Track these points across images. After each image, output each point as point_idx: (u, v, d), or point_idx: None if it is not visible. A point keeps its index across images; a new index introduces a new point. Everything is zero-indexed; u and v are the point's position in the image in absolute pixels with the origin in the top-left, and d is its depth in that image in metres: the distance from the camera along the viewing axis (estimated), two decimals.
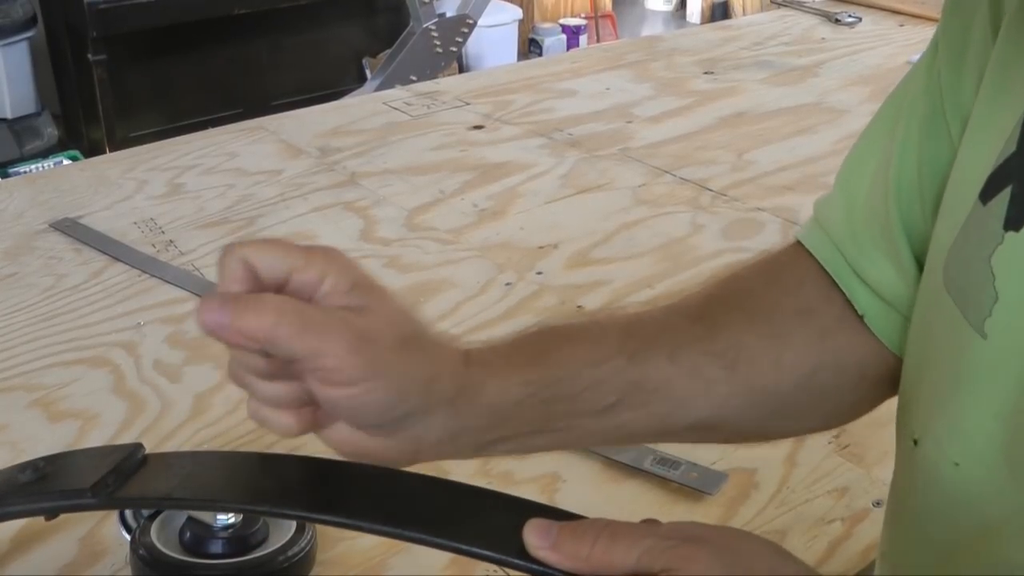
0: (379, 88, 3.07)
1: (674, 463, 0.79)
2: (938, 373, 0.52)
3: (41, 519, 0.71)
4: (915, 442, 0.53)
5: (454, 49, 3.56)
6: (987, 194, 0.47)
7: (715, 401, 0.55)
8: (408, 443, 0.48)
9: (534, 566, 0.42)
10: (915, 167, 0.55)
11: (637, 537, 0.41)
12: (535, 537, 0.42)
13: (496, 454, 0.53)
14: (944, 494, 0.51)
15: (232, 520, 0.65)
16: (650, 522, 0.43)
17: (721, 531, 0.43)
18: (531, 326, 0.54)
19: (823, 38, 1.94)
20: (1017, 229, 0.45)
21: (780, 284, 0.59)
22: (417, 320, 0.48)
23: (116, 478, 0.47)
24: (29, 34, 3.23)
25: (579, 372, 0.52)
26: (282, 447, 0.81)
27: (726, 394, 0.55)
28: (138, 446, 0.49)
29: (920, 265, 0.55)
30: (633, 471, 0.78)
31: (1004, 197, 0.46)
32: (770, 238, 1.17)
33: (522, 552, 0.42)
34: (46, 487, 0.50)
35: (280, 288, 0.45)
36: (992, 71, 0.49)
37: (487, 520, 0.45)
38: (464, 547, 0.42)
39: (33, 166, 2.94)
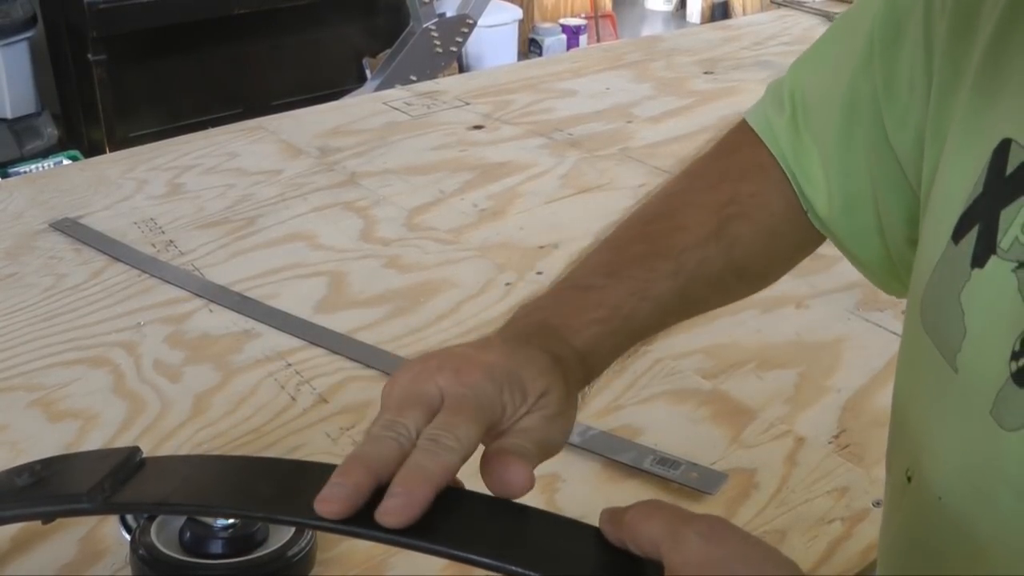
0: (379, 88, 3.07)
1: (674, 463, 0.79)
2: (922, 410, 0.53)
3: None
4: (909, 479, 0.54)
5: (454, 49, 3.56)
6: (958, 234, 0.49)
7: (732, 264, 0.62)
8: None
9: (520, 570, 0.42)
10: (868, 184, 0.59)
11: (670, 519, 0.42)
12: (604, 513, 0.45)
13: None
14: (932, 528, 0.52)
15: (232, 520, 0.65)
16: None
17: (741, 539, 0.42)
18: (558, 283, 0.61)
19: None
20: (982, 266, 0.47)
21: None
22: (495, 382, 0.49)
23: (112, 483, 0.47)
24: (29, 34, 3.23)
25: (639, 290, 0.59)
26: (277, 450, 0.81)
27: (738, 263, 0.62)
28: (135, 450, 0.49)
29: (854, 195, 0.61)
30: (633, 471, 0.78)
31: (972, 236, 0.48)
32: None
33: (512, 557, 0.42)
34: (42, 492, 0.49)
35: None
36: (961, 121, 0.51)
37: (480, 524, 0.44)
38: (456, 552, 0.42)
39: (33, 166, 2.94)
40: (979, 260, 0.47)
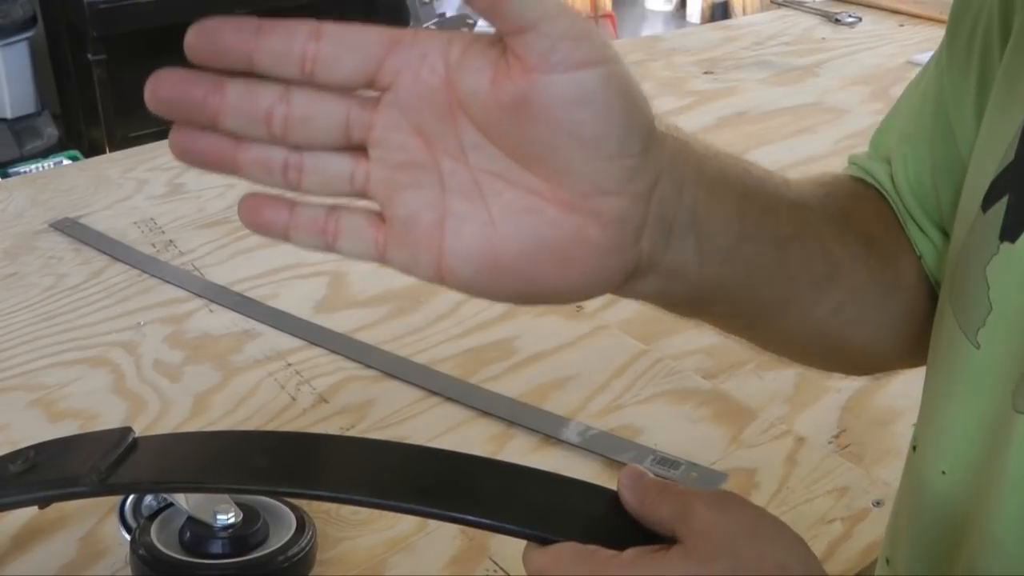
0: None
1: (674, 463, 0.79)
2: (935, 381, 0.52)
3: (39, 517, 0.72)
4: (914, 448, 0.54)
5: None
6: (987, 202, 0.46)
7: (854, 284, 0.52)
8: (633, 205, 0.38)
9: (528, 530, 0.42)
10: (928, 167, 0.55)
11: (681, 495, 0.42)
12: (626, 477, 0.43)
13: (680, 269, 0.43)
14: (931, 501, 0.52)
15: (232, 520, 0.65)
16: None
17: (750, 513, 0.43)
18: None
19: (823, 38, 1.94)
20: (1013, 240, 0.44)
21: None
22: None
23: (108, 464, 0.47)
24: (29, 34, 3.23)
25: (761, 189, 0.47)
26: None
27: (863, 280, 0.52)
28: (127, 430, 0.49)
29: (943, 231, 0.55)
30: None
31: (1001, 206, 0.45)
32: None
33: (515, 518, 0.42)
34: (37, 476, 0.49)
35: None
36: (1000, 80, 0.48)
37: (481, 488, 0.45)
38: (457, 515, 0.43)
39: (33, 166, 2.94)
40: (1009, 233, 0.45)
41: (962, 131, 0.52)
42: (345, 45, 0.36)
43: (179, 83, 0.37)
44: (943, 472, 0.50)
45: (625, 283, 0.41)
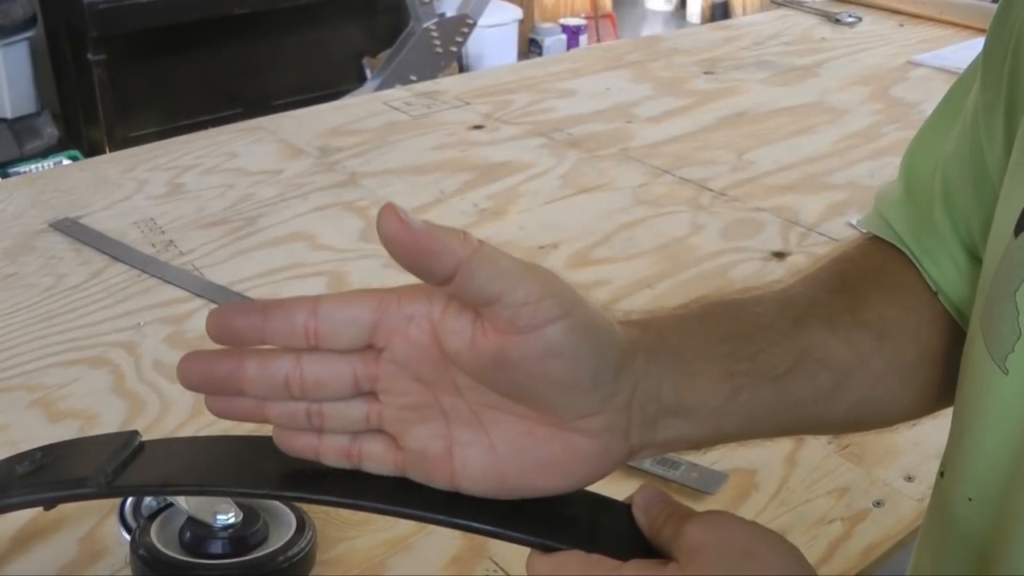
0: (379, 88, 3.08)
1: (674, 463, 0.79)
2: (962, 407, 0.51)
3: (40, 517, 0.72)
4: (942, 474, 0.53)
5: (454, 49, 3.56)
6: (1019, 227, 0.46)
7: (870, 379, 0.53)
8: (615, 416, 0.43)
9: (531, 538, 0.42)
10: (968, 177, 0.54)
11: (677, 520, 0.43)
12: (640, 497, 0.45)
13: (675, 440, 0.47)
14: (957, 528, 0.51)
15: (232, 520, 0.65)
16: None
17: (743, 530, 0.43)
18: (686, 303, 0.51)
19: (823, 38, 1.94)
20: None
21: (896, 261, 0.57)
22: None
23: (114, 466, 0.47)
24: (29, 34, 3.23)
25: (752, 333, 0.49)
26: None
27: (879, 371, 0.53)
28: (134, 433, 0.49)
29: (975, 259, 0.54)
30: (633, 471, 0.78)
31: None
32: (770, 238, 1.17)
33: (519, 525, 0.42)
34: (44, 478, 0.49)
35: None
36: None
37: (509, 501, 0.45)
38: (461, 521, 0.43)
39: (33, 166, 2.95)
40: None
41: (992, 157, 0.52)
42: (339, 320, 0.41)
43: (204, 365, 0.43)
44: (969, 499, 0.49)
45: (626, 461, 0.45)
